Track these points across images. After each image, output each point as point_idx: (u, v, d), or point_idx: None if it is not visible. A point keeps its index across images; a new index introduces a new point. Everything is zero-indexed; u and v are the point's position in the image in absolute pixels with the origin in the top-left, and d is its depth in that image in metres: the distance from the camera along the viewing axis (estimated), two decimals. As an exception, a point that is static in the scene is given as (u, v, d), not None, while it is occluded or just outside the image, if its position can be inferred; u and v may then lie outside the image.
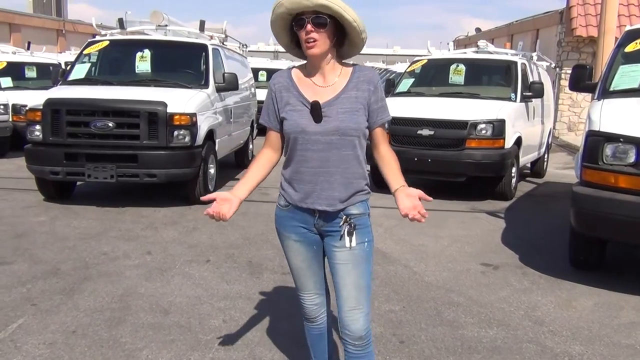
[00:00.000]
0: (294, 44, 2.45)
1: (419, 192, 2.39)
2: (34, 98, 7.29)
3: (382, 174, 2.51)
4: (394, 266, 5.09)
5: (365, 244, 2.46)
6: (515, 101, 8.43)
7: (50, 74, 10.63)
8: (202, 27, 8.88)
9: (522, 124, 8.48)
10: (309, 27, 2.30)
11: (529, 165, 10.11)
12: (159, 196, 7.57)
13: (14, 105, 11.20)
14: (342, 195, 2.41)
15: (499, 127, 7.77)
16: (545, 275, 4.96)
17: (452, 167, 7.83)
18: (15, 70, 12.57)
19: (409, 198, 2.38)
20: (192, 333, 3.69)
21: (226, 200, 2.41)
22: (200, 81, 7.82)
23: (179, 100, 7.01)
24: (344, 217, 2.42)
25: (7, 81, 12.10)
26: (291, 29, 2.39)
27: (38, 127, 6.83)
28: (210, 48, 8.17)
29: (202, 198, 2.50)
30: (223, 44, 9.64)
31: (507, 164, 7.88)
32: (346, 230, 2.41)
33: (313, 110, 2.37)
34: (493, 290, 4.59)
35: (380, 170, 2.51)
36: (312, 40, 2.31)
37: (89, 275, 4.69)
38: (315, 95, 2.39)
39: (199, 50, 8.16)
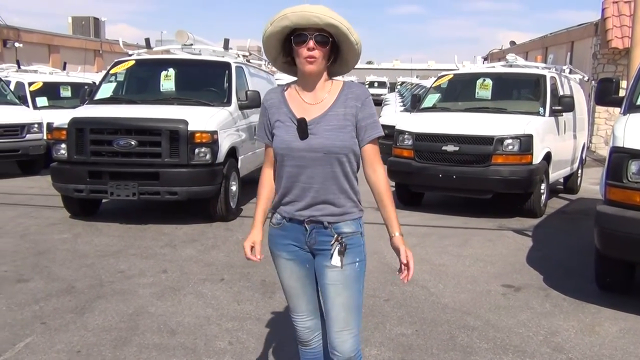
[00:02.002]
0: (283, 58, 2.43)
1: (409, 256, 2.37)
2: (65, 117, 7.45)
3: (377, 205, 2.46)
4: (411, 287, 4.95)
5: (357, 264, 2.42)
6: (544, 115, 8.21)
7: (85, 94, 10.90)
8: (226, 45, 8.97)
9: (551, 138, 8.24)
10: (312, 44, 2.29)
11: (561, 180, 9.82)
12: (182, 213, 7.61)
13: (48, 124, 11.49)
14: (331, 209, 2.38)
15: (526, 142, 7.56)
16: (569, 298, 4.74)
17: (478, 183, 7.65)
18: (50, 90, 12.94)
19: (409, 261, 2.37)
20: (196, 355, 3.64)
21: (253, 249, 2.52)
22: (222, 99, 7.86)
23: (200, 118, 7.05)
24: (336, 235, 2.38)
25: (42, 100, 12.45)
26: (283, 43, 2.37)
27: (63, 145, 6.97)
28: (233, 66, 8.21)
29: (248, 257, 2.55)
30: (248, 61, 9.70)
31: (536, 180, 7.65)
32: (337, 249, 2.37)
33: (299, 127, 2.36)
34: (512, 314, 4.40)
35: (374, 197, 2.46)
36: (312, 58, 2.30)
37: (102, 293, 4.70)
38: (304, 112, 2.38)
39: (222, 68, 8.22)
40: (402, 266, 2.37)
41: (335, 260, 2.36)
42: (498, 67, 10.07)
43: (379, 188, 2.43)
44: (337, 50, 2.38)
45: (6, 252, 5.82)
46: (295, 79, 2.49)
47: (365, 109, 2.39)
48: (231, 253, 5.90)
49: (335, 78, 2.48)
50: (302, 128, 2.35)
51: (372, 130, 2.40)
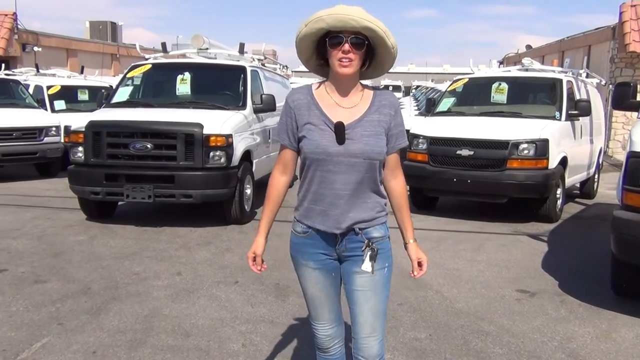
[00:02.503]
0: (316, 60, 2.39)
1: (423, 259, 2.49)
2: (82, 120, 7.54)
3: (393, 210, 2.50)
4: (425, 291, 4.94)
5: (386, 269, 2.42)
6: (560, 120, 8.15)
7: (101, 97, 11.03)
8: (241, 49, 9.01)
9: (567, 143, 8.18)
10: (347, 47, 2.25)
11: (578, 185, 9.74)
12: (196, 216, 7.65)
13: (65, 127, 11.64)
14: (364, 216, 2.35)
15: (542, 146, 7.52)
16: (584, 304, 4.70)
17: (493, 188, 7.61)
18: (68, 94, 13.10)
19: (423, 264, 2.49)
20: (210, 357, 3.66)
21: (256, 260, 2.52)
22: (238, 103, 7.91)
23: (215, 121, 7.10)
24: (367, 241, 2.36)
25: (60, 104, 12.61)
26: (316, 45, 2.34)
27: (80, 148, 7.05)
28: (248, 70, 8.26)
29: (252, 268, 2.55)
30: (263, 65, 9.75)
31: (551, 184, 7.59)
32: (369, 255, 2.35)
33: (337, 131, 2.30)
34: (527, 319, 4.37)
35: (390, 203, 2.48)
36: (347, 60, 2.26)
37: (117, 295, 4.75)
38: (337, 115, 2.32)
39: (238, 72, 8.26)
40: (415, 268, 2.45)
41: (367, 266, 2.34)
42: (514, 71, 10.02)
43: (398, 194, 2.46)
44: (371, 54, 2.34)
45: (24, 254, 5.89)
46: (323, 79, 2.44)
47: (397, 118, 2.40)
48: (245, 256, 5.89)
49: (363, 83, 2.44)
50: (341, 133, 2.29)
51: (401, 140, 2.42)
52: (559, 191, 7.86)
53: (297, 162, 2.48)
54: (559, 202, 7.95)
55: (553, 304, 4.72)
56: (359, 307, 2.40)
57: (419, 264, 2.46)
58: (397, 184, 2.46)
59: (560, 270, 5.62)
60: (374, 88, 2.46)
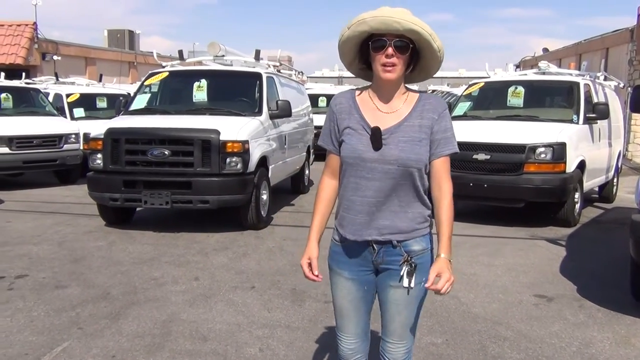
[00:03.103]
0: (359, 63, 2.34)
1: (444, 275, 2.19)
2: (101, 128, 7.65)
3: (435, 221, 2.31)
4: (441, 296, 4.87)
5: (422, 283, 2.29)
6: (577, 123, 8.09)
7: (120, 105, 11.18)
8: (257, 56, 9.08)
9: (585, 146, 8.12)
10: (390, 50, 2.17)
11: (596, 189, 9.64)
12: (213, 221, 7.71)
13: (85, 135, 11.80)
14: (401, 227, 2.26)
15: (559, 150, 7.47)
16: (603, 309, 4.65)
17: (510, 192, 7.57)
18: (87, 101, 13.29)
19: (443, 276, 2.20)
20: (227, 361, 3.69)
21: (310, 266, 2.38)
22: (254, 109, 7.97)
23: (231, 127, 7.16)
24: (405, 255, 2.26)
25: (79, 111, 12.80)
26: (360, 48, 2.27)
27: (99, 155, 7.15)
28: (264, 76, 8.32)
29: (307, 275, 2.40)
30: (279, 71, 9.81)
31: (569, 188, 7.54)
32: (406, 271, 2.25)
33: (373, 136, 2.22)
34: (545, 324, 4.34)
35: (434, 213, 2.31)
36: (391, 64, 2.19)
37: (136, 300, 4.80)
38: (377, 120, 2.25)
39: (254, 78, 8.33)
40: (430, 279, 2.19)
41: (404, 282, 2.26)
42: (530, 75, 9.96)
43: (440, 205, 2.28)
44: (416, 57, 2.25)
45: (45, 259, 5.99)
46: (369, 83, 2.37)
47: (441, 122, 2.26)
48: (262, 261, 5.96)
49: (408, 86, 2.35)
50: (377, 138, 2.22)
51: (446, 146, 2.26)
52: (577, 195, 7.81)
53: None
54: (577, 206, 7.89)
55: (571, 309, 4.68)
56: (390, 317, 2.37)
57: (437, 278, 2.21)
58: (441, 195, 2.27)
59: (578, 275, 5.57)
60: (420, 92, 2.36)
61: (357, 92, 2.37)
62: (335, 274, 2.41)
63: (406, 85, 2.35)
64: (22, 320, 4.32)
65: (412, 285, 2.25)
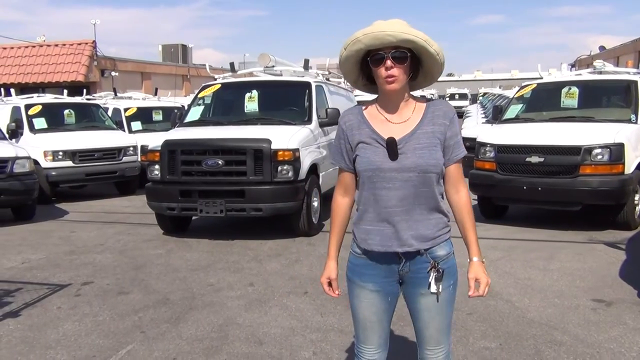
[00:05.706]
0: (363, 80, 2.38)
1: (482, 280, 2.35)
2: (158, 140, 7.95)
3: (457, 226, 2.41)
4: (495, 301, 4.88)
5: (451, 286, 2.36)
6: (635, 123, 7.83)
7: (175, 117, 11.55)
8: (306, 65, 9.23)
9: (645, 147, 7.84)
10: (389, 63, 2.20)
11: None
12: (266, 228, 7.87)
13: (142, 147, 12.25)
14: (427, 234, 2.29)
15: (616, 151, 7.25)
16: (666, 314, 4.51)
17: (566, 195, 7.40)
18: (144, 115, 13.80)
19: (482, 281, 2.36)
20: (283, 364, 3.78)
21: (331, 285, 2.52)
22: (304, 117, 8.11)
23: (282, 136, 7.31)
24: (432, 261, 2.30)
25: (137, 125, 13.30)
26: (361, 65, 2.32)
27: (157, 166, 7.43)
28: (313, 85, 8.45)
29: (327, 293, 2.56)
30: (328, 79, 9.93)
31: (629, 190, 7.31)
32: (434, 277, 2.28)
33: (388, 147, 2.26)
34: (603, 329, 4.25)
35: (455, 218, 2.39)
36: (392, 76, 2.22)
37: (194, 305, 4.98)
38: (390, 131, 2.29)
39: (303, 88, 8.48)
40: (471, 287, 2.34)
41: (433, 288, 2.29)
42: (585, 75, 9.72)
43: (461, 209, 2.36)
44: (418, 63, 2.28)
45: (108, 267, 6.27)
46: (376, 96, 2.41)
47: (452, 127, 2.32)
48: (314, 267, 6.05)
49: (413, 92, 2.39)
50: (393, 148, 2.25)
51: (458, 150, 2.33)
52: (637, 197, 7.56)
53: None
54: (638, 208, 7.64)
55: (632, 313, 4.56)
56: (423, 324, 2.38)
57: (477, 283, 2.34)
58: (460, 199, 2.36)
59: (639, 279, 5.40)
60: (427, 99, 2.40)
61: (364, 107, 2.40)
62: (358, 287, 2.40)
63: (412, 93, 2.38)
64: (89, 324, 4.56)
65: (441, 289, 2.30)
